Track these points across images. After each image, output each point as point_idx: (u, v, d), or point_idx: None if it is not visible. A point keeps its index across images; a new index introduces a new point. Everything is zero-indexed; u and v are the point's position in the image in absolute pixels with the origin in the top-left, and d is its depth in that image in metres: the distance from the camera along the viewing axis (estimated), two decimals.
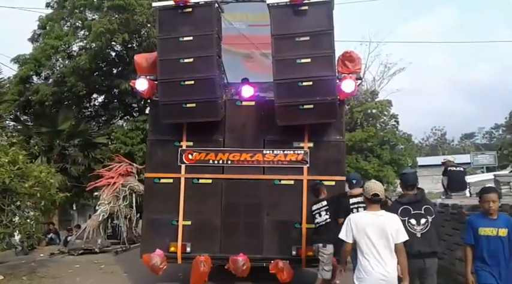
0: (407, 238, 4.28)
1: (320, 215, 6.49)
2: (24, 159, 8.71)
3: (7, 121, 16.27)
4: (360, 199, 5.85)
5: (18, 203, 8.55)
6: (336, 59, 7.11)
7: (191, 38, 7.06)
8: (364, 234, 4.22)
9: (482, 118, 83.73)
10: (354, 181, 6.59)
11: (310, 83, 6.82)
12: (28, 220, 8.54)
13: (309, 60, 6.85)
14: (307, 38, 6.89)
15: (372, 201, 4.35)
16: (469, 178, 12.83)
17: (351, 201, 6.23)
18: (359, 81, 7.70)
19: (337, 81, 7.07)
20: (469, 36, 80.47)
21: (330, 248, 6.30)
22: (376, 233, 4.20)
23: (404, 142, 24.50)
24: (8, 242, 8.61)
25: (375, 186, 4.38)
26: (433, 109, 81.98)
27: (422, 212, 4.82)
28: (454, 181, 10.30)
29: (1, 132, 10.82)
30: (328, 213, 6.42)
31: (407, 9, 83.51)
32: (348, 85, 7.05)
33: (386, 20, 77.13)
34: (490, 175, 14.29)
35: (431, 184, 24.11)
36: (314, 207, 6.63)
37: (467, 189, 10.97)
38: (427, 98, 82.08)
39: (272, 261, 6.92)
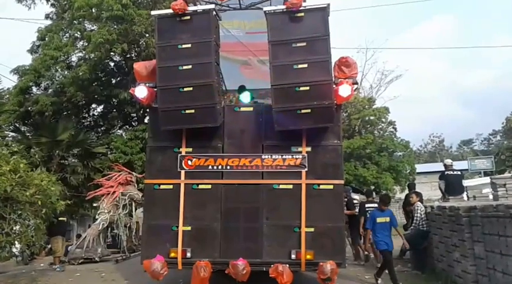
0: None
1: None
2: (25, 167, 8.69)
3: (6, 132, 16.28)
4: None
5: (19, 212, 8.52)
6: (333, 64, 7.23)
7: (189, 45, 7.17)
8: None
9: (480, 124, 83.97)
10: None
11: (307, 88, 6.90)
12: (29, 229, 8.54)
13: (305, 65, 6.94)
14: (304, 44, 6.99)
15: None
16: (467, 182, 12.89)
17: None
18: (355, 86, 7.78)
19: (334, 85, 7.17)
20: (466, 43, 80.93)
21: None
22: None
23: (403, 149, 24.62)
24: (9, 251, 8.57)
25: None
26: (430, 116, 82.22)
27: None
28: (452, 184, 10.38)
29: (1, 142, 10.83)
30: None
31: (403, 17, 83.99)
32: (344, 90, 7.16)
33: (383, 28, 77.74)
34: (487, 179, 14.35)
35: (430, 191, 24.15)
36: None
37: (465, 193, 11.05)
38: (425, 105, 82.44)
39: (272, 265, 6.94)
